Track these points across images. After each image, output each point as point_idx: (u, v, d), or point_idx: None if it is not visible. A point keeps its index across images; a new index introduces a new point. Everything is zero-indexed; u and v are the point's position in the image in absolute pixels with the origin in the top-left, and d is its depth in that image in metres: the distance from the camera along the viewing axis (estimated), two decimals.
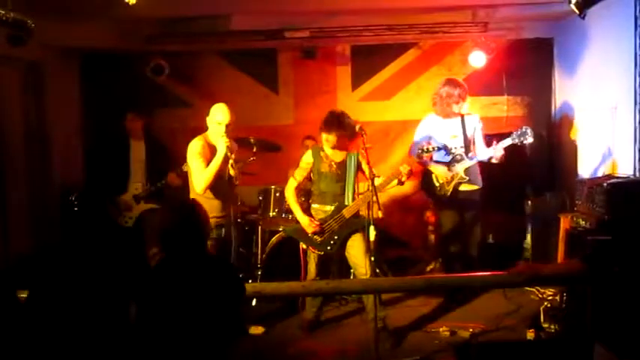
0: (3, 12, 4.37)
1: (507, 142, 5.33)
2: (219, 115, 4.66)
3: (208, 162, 4.62)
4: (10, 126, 5.81)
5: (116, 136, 6.03)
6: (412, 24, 6.43)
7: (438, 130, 5.64)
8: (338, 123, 4.81)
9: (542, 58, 6.91)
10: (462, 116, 5.61)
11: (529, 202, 6.23)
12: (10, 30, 4.62)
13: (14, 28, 4.60)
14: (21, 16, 4.53)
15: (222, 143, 4.58)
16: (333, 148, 4.90)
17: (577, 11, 4.78)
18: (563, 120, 6.75)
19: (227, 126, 4.62)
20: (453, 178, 5.51)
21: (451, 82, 5.61)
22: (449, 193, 5.54)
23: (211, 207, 4.70)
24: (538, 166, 6.73)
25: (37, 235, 6.09)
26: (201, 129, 6.67)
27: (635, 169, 5.05)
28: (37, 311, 2.91)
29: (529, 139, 5.27)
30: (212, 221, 4.70)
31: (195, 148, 4.68)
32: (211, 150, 4.69)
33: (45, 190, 6.27)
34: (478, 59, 6.48)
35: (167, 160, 5.96)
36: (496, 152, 5.36)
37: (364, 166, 4.90)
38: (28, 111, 6.12)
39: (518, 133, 5.28)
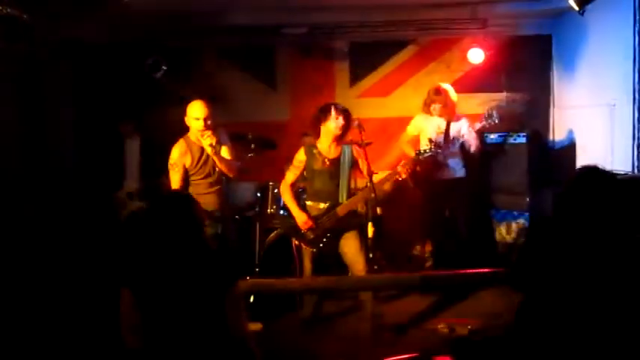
0: (0, 7, 4.35)
1: (477, 125, 5.77)
2: (195, 112, 4.74)
3: (191, 163, 4.79)
4: (4, 121, 5.76)
5: (110, 133, 6.02)
6: (410, 20, 6.41)
7: (426, 126, 6.02)
8: (344, 108, 4.92)
9: (540, 54, 6.91)
10: (449, 122, 5.89)
11: (527, 199, 6.23)
12: (5, 25, 4.59)
13: (10, 24, 4.57)
14: (17, 12, 4.51)
15: (205, 144, 4.69)
16: (336, 137, 4.89)
17: (576, 7, 4.78)
18: (561, 117, 6.74)
19: (205, 120, 4.70)
20: (434, 168, 5.85)
21: (435, 90, 5.96)
22: (431, 180, 5.92)
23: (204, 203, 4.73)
24: (536, 162, 6.71)
25: None
26: None
27: (633, 165, 5.04)
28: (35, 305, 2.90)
29: (495, 120, 5.67)
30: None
31: (171, 157, 4.82)
32: (192, 150, 4.78)
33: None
34: (477, 56, 6.48)
35: (163, 158, 5.94)
36: (467, 138, 5.82)
37: (360, 163, 4.90)
38: (21, 106, 6.07)
39: (485, 116, 5.71)
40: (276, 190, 5.87)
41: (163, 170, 5.73)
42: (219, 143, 4.76)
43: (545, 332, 2.68)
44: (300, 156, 5.01)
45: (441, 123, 5.91)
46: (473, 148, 5.89)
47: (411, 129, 6.11)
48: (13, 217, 4.84)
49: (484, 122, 5.73)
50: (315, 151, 4.95)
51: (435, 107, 5.92)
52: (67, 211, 5.70)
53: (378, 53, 7.02)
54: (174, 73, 6.80)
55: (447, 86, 6.00)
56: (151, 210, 3.08)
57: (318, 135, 4.92)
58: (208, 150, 4.70)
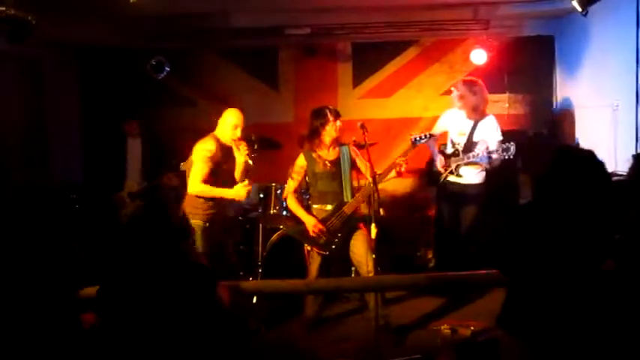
0: (3, 9, 4.35)
1: (493, 155, 5.40)
2: (235, 119, 4.83)
3: (217, 163, 4.76)
4: (10, 123, 5.79)
5: (115, 133, 6.04)
6: (413, 21, 6.41)
7: (451, 125, 5.78)
8: (335, 109, 4.97)
9: (543, 55, 6.90)
10: (477, 121, 5.63)
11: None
12: (9, 27, 4.61)
13: (14, 25, 4.58)
14: (21, 13, 4.52)
15: (241, 154, 4.75)
16: (334, 140, 4.93)
17: (579, 8, 4.77)
18: (564, 118, 6.74)
19: (241, 129, 4.81)
20: (445, 170, 5.65)
21: (457, 83, 5.75)
22: (440, 182, 5.72)
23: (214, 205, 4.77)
24: (538, 163, 6.71)
25: None
26: (202, 127, 6.65)
27: None
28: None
29: (511, 156, 5.31)
30: (208, 215, 4.79)
31: (203, 152, 4.75)
32: (222, 151, 4.81)
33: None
34: (479, 57, 6.46)
35: (166, 158, 5.96)
36: (480, 159, 5.46)
37: (359, 163, 4.93)
38: (27, 108, 6.10)
39: (504, 147, 5.33)
40: (279, 192, 5.88)
41: (166, 169, 5.78)
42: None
43: (532, 314, 2.70)
44: (301, 162, 5.03)
45: (465, 126, 5.66)
46: (487, 167, 5.57)
47: (439, 125, 5.86)
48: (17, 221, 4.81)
49: (500, 154, 5.34)
50: (314, 155, 4.97)
51: (458, 102, 5.68)
52: (74, 211, 5.71)
53: (380, 54, 7.02)
54: (178, 74, 6.82)
55: (479, 81, 5.71)
56: (132, 218, 3.06)
57: (320, 142, 4.94)
58: (242, 159, 4.77)
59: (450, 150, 5.71)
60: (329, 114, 4.88)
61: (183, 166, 5.64)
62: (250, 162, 4.78)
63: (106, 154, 6.07)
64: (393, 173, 4.83)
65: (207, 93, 6.90)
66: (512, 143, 5.30)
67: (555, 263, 2.68)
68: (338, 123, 4.90)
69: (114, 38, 6.36)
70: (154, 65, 6.36)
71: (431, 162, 5.87)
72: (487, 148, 5.43)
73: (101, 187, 5.87)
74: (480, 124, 5.62)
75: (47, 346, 2.86)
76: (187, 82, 6.94)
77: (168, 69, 6.43)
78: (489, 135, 5.56)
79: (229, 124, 4.80)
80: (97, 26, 6.12)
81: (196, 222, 4.71)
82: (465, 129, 5.66)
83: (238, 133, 4.79)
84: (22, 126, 6.05)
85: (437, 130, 5.82)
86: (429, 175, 5.94)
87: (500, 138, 5.51)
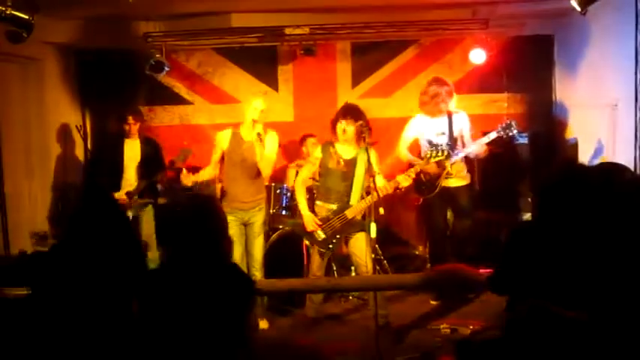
0: (2, 8, 4.35)
1: (492, 135, 5.34)
2: (261, 104, 4.94)
3: (228, 153, 4.99)
4: (9, 123, 5.79)
5: (115, 133, 6.04)
6: (412, 21, 6.42)
7: (425, 128, 5.65)
8: (359, 112, 4.87)
9: (542, 55, 6.90)
10: (450, 114, 5.58)
11: (529, 200, 6.23)
12: (9, 26, 4.61)
13: (13, 25, 4.59)
14: (20, 13, 4.52)
15: (254, 132, 4.86)
16: (346, 140, 4.87)
17: (578, 8, 4.77)
18: (563, 117, 6.74)
19: (262, 112, 4.92)
20: (440, 174, 5.47)
21: (438, 81, 5.59)
22: (437, 189, 5.51)
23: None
24: (538, 163, 6.72)
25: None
26: (201, 126, 6.67)
27: (635, 166, 5.03)
28: (38, 308, 2.88)
29: (514, 132, 5.28)
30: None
31: (215, 140, 5.08)
32: (235, 141, 4.97)
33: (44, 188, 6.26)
34: (478, 56, 6.47)
35: (164, 157, 5.95)
36: (478, 147, 5.40)
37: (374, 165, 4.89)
38: (26, 108, 6.10)
39: (503, 126, 5.28)
40: (278, 191, 5.89)
41: (164, 168, 5.80)
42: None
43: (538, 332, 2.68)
44: (317, 153, 5.01)
45: (441, 126, 5.57)
46: (480, 156, 5.56)
47: (411, 133, 5.73)
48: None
49: (501, 132, 5.29)
50: (331, 149, 4.92)
51: (446, 102, 5.51)
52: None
53: (380, 54, 7.02)
54: (177, 73, 6.82)
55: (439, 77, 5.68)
56: (177, 212, 3.04)
57: (335, 137, 4.91)
58: (254, 137, 4.83)
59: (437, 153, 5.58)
60: (340, 115, 4.85)
61: (178, 161, 5.67)
62: (262, 137, 4.84)
63: (106, 153, 6.06)
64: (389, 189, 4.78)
65: (207, 93, 6.91)
66: (512, 120, 5.27)
67: (558, 286, 2.62)
68: (345, 125, 4.81)
69: (114, 38, 6.36)
70: (154, 65, 6.36)
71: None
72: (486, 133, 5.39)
73: (100, 187, 5.86)
74: (455, 118, 5.56)
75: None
76: (186, 81, 6.94)
77: (167, 68, 6.44)
78: (465, 130, 5.55)
79: (249, 106, 4.91)
80: (96, 26, 6.13)
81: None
82: (443, 127, 5.57)
83: (256, 116, 4.86)
84: (22, 125, 6.05)
85: (407, 139, 5.72)
86: (416, 186, 5.57)
87: (471, 133, 5.51)
